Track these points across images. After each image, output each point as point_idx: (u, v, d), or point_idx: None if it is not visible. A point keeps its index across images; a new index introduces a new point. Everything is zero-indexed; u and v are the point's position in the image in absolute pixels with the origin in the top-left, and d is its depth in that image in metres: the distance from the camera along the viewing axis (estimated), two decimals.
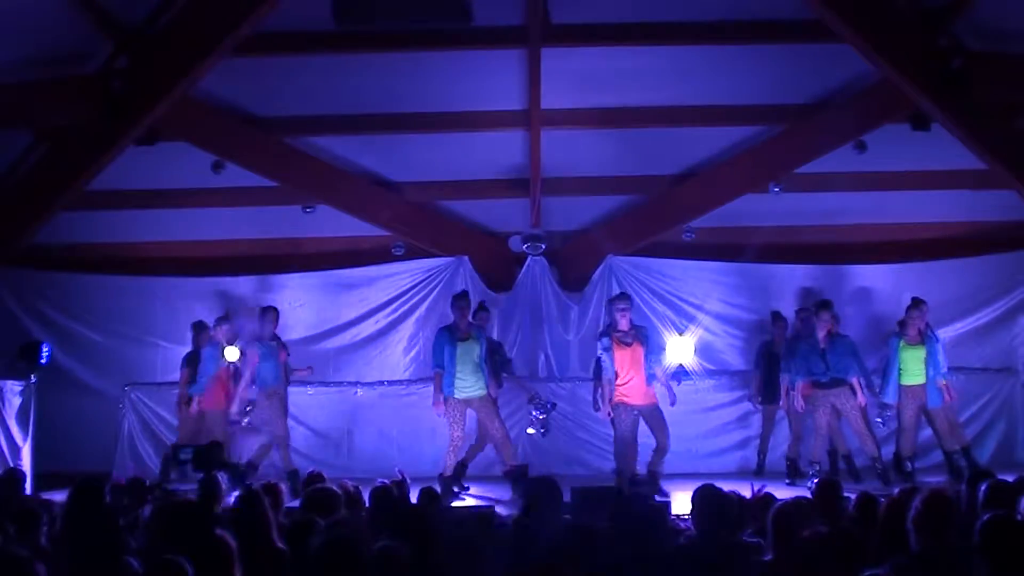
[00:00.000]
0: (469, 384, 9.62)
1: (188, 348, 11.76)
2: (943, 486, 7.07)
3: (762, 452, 10.93)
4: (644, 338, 9.62)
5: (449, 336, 9.71)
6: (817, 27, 9.55)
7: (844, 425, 10.26)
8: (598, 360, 9.98)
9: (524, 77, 10.31)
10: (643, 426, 9.53)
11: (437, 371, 9.74)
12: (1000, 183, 10.65)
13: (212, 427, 10.19)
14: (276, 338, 10.36)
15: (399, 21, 9.53)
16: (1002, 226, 11.86)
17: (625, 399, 9.46)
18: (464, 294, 10.21)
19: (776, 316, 10.92)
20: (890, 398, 10.12)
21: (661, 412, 9.52)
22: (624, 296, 9.91)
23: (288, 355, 10.46)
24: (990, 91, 9.51)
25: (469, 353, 9.64)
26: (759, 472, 10.68)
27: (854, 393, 9.87)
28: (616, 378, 9.45)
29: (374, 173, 11.72)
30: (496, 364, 10.24)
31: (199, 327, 10.80)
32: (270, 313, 10.37)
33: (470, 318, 9.96)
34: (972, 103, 9.61)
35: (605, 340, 9.60)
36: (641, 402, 9.48)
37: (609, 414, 9.54)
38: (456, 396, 9.60)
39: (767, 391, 10.73)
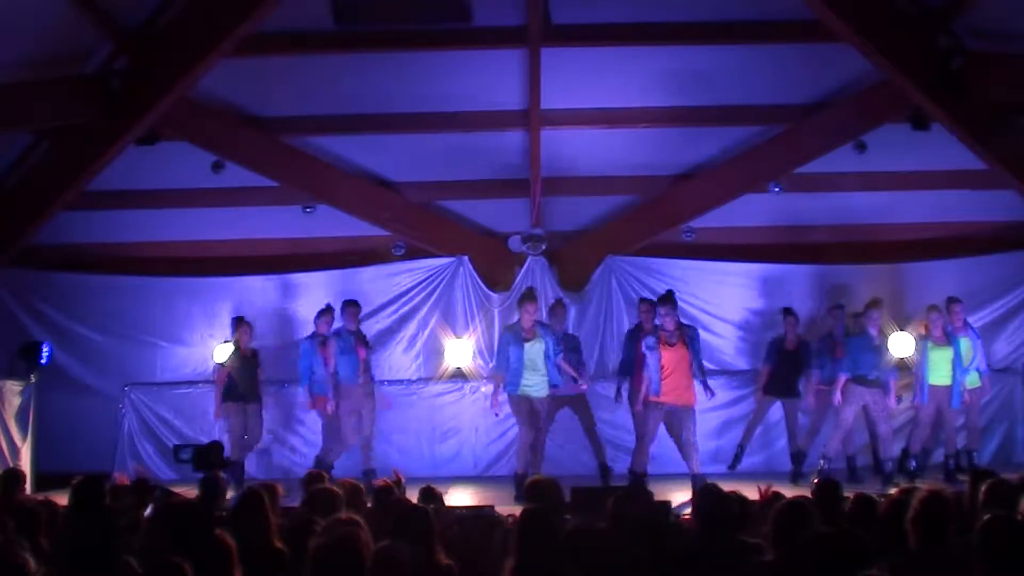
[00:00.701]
0: (533, 383, 9.64)
1: (189, 348, 11.79)
2: (941, 486, 7.08)
3: (742, 445, 10.76)
4: (690, 339, 9.68)
5: (514, 336, 9.73)
6: (817, 27, 9.55)
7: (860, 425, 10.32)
8: (623, 356, 10.22)
9: (524, 77, 10.31)
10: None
11: (499, 374, 9.80)
12: (1000, 183, 10.65)
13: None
14: (356, 332, 10.37)
15: (399, 21, 9.54)
16: (1002, 226, 11.87)
17: (659, 398, 9.50)
18: (530, 293, 10.22)
19: (787, 312, 10.90)
20: (922, 399, 10.16)
21: (694, 413, 9.56)
22: (668, 299, 9.74)
23: (369, 351, 10.53)
24: (990, 91, 9.51)
25: (536, 353, 9.67)
26: (734, 465, 10.59)
27: (887, 394, 9.92)
28: (657, 377, 9.48)
29: (374, 173, 11.72)
30: (577, 361, 10.22)
31: (239, 323, 10.71)
32: (350, 307, 10.40)
33: (544, 316, 9.91)
34: (972, 103, 9.61)
35: (651, 339, 9.60)
36: (675, 402, 9.53)
37: (639, 410, 9.62)
38: (519, 393, 9.65)
39: (771, 385, 10.72)
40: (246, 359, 10.59)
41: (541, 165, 11.13)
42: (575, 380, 10.03)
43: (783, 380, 10.60)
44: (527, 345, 9.64)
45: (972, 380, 10.28)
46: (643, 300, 10.74)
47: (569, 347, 10.21)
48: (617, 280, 11.84)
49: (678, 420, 9.56)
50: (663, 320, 9.55)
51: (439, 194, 11.98)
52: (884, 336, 10.06)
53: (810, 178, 11.44)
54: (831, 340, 10.65)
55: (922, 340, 10.25)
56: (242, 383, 10.46)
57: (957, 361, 10.06)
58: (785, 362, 10.62)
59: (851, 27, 9.26)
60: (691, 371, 9.48)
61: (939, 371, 10.09)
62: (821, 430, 10.55)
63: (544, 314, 10.65)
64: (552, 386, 9.73)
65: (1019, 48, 9.14)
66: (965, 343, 10.26)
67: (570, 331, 10.96)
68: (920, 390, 10.12)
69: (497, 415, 10.12)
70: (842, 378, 10.00)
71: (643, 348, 9.69)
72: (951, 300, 10.41)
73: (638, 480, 9.52)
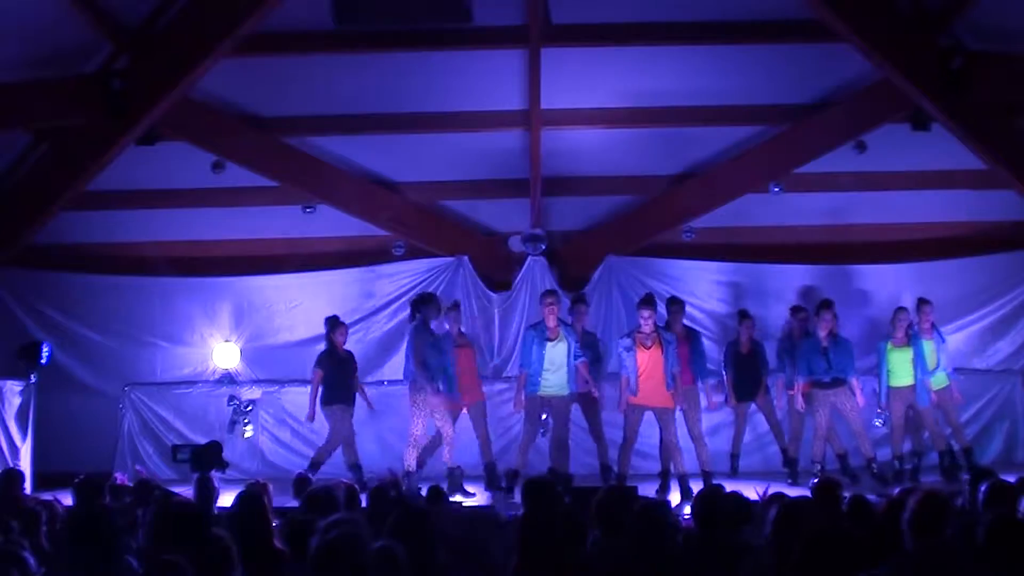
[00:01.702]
0: (553, 383, 9.63)
1: (189, 348, 11.77)
2: (939, 486, 7.08)
3: (735, 454, 10.85)
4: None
5: (537, 336, 9.68)
6: (817, 27, 9.56)
7: (840, 424, 10.28)
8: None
9: (524, 77, 10.31)
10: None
11: (523, 371, 9.75)
12: (1000, 183, 10.66)
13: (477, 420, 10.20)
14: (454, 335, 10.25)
15: (399, 21, 9.54)
16: (1002, 226, 11.86)
17: (636, 400, 9.50)
18: (551, 291, 10.15)
19: (743, 315, 10.89)
20: (884, 402, 10.14)
21: (673, 415, 9.58)
22: (647, 301, 9.71)
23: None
24: (990, 91, 9.53)
25: (559, 353, 9.64)
26: (733, 474, 10.60)
27: (853, 393, 9.90)
28: (634, 378, 9.46)
29: (374, 173, 11.72)
30: (594, 358, 10.12)
31: (335, 323, 10.40)
32: (451, 311, 10.35)
33: (564, 312, 9.91)
34: (972, 103, 9.62)
35: (627, 340, 9.62)
36: (654, 404, 9.52)
37: (622, 410, 9.61)
38: (539, 393, 9.64)
39: (738, 391, 10.72)
40: (343, 361, 10.38)
41: (541, 165, 11.13)
42: (587, 384, 9.94)
43: (746, 383, 10.66)
44: (549, 345, 9.59)
45: (939, 380, 10.21)
46: (672, 299, 10.67)
47: (586, 344, 10.08)
48: (617, 280, 11.84)
49: (660, 422, 9.59)
50: (644, 322, 9.55)
51: (439, 194, 11.98)
52: (834, 337, 10.03)
53: (810, 178, 11.43)
54: (790, 342, 10.63)
55: (881, 341, 10.26)
56: (342, 384, 10.23)
57: (918, 361, 10.02)
58: (743, 366, 10.68)
59: (851, 27, 9.27)
60: (667, 373, 9.44)
61: (900, 373, 10.08)
62: (804, 433, 10.50)
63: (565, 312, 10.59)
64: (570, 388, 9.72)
65: (1019, 48, 9.15)
66: (928, 345, 10.22)
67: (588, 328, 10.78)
68: (882, 394, 10.13)
69: (518, 414, 10.10)
70: (799, 383, 10.05)
71: (620, 350, 9.72)
72: (921, 301, 10.39)
73: (621, 482, 9.48)
